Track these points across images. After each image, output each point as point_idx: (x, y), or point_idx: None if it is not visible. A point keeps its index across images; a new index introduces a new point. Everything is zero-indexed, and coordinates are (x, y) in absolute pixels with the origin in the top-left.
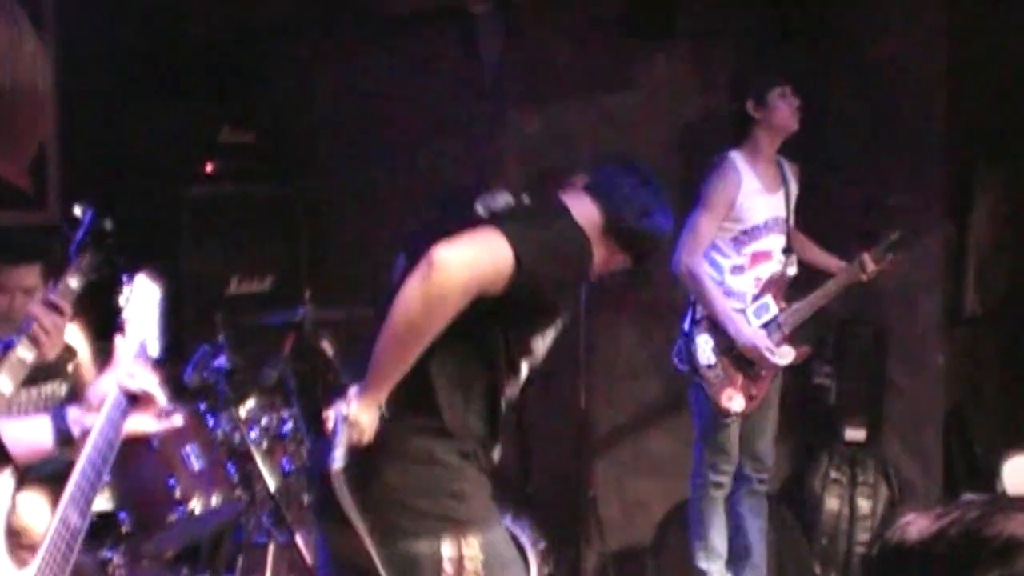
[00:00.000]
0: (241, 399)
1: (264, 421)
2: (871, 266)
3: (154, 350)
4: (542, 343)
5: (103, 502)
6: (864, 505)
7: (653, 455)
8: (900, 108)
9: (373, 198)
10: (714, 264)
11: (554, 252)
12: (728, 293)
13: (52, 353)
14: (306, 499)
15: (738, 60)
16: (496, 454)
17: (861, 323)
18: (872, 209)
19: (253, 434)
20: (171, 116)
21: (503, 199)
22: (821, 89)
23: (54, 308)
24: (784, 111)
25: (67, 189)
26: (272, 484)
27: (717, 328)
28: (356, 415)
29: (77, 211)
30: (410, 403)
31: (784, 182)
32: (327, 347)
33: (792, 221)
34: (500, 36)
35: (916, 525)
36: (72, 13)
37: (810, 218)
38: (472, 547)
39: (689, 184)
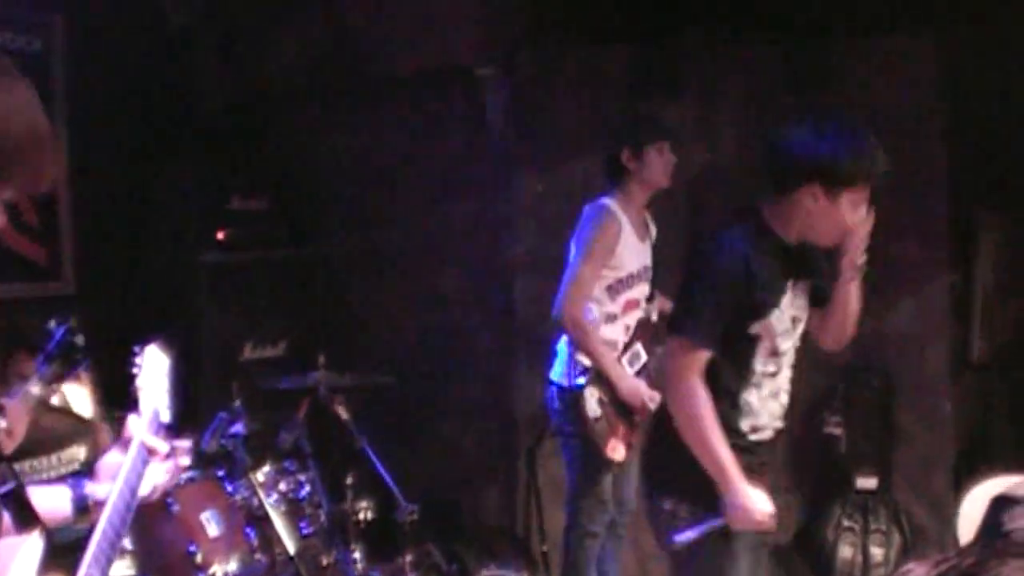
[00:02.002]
0: (258, 464)
1: (282, 485)
2: None
3: (166, 418)
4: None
5: (124, 569)
6: (877, 553)
7: None
8: (901, 157)
9: (383, 261)
10: (588, 313)
11: None
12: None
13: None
14: (324, 560)
15: (743, 116)
16: None
17: (869, 372)
18: (876, 259)
19: (271, 498)
20: (182, 184)
21: None
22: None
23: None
24: (658, 167)
25: (81, 260)
26: (291, 547)
27: (599, 379)
28: None
29: (51, 324)
30: None
31: (648, 230)
32: (342, 411)
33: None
34: (506, 97)
35: (915, 573)
36: (83, 84)
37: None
38: None
39: (696, 239)
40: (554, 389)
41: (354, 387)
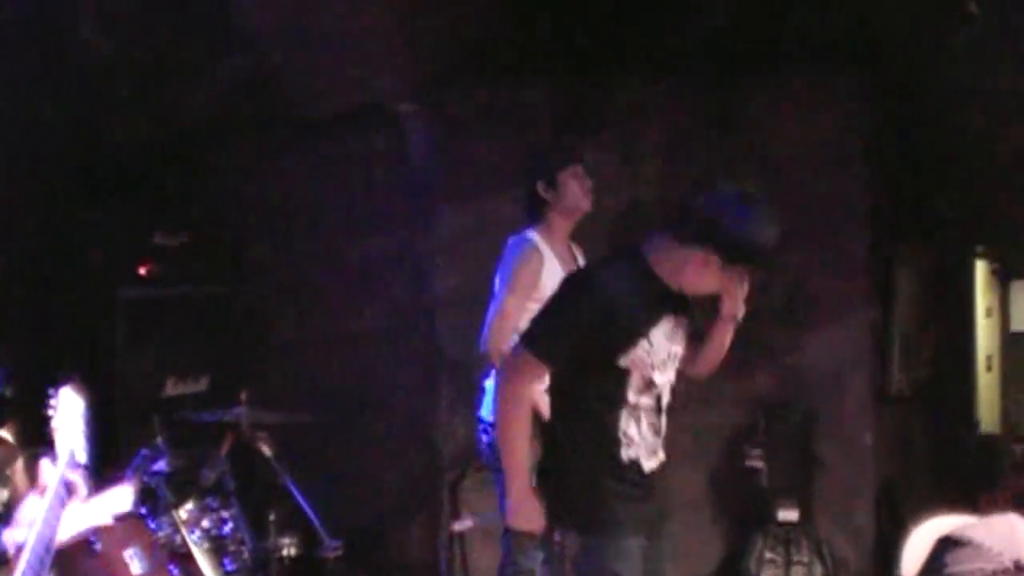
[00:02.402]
0: (181, 501)
1: (205, 522)
2: None
3: (82, 459)
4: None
5: None
6: None
7: None
8: (821, 193)
9: (306, 297)
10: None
11: None
12: None
13: None
14: None
15: (664, 151)
16: None
17: (790, 405)
18: (796, 295)
19: (195, 536)
20: (103, 220)
21: None
22: (744, 175)
23: None
24: (575, 191)
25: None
26: None
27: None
28: None
29: None
30: None
31: (576, 261)
32: (264, 448)
33: None
34: (428, 134)
35: None
36: (0, 121)
37: None
38: None
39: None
40: (483, 425)
41: (277, 423)
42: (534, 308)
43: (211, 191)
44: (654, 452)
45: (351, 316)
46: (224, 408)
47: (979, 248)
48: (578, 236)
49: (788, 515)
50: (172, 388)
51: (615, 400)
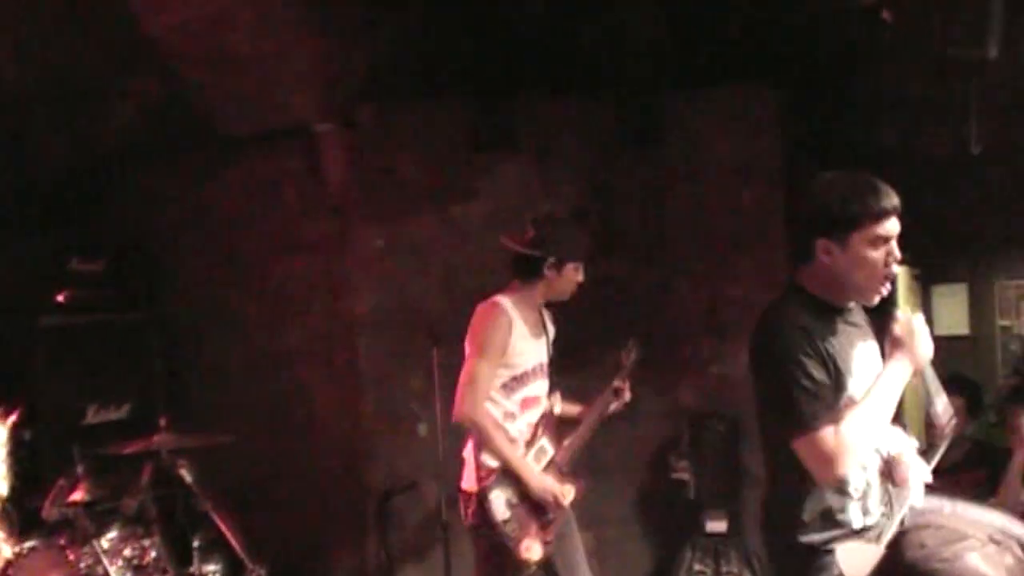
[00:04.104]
0: (102, 530)
1: (127, 551)
2: (622, 386)
3: (2, 490)
4: None
5: None
6: None
7: None
8: (740, 205)
9: (225, 320)
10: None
11: None
12: None
13: None
14: None
15: (581, 167)
16: None
17: (715, 415)
18: (718, 306)
19: (116, 565)
20: (20, 247)
21: None
22: (663, 189)
23: None
24: (571, 284)
25: None
26: None
27: (507, 479)
28: None
29: None
30: None
31: (544, 328)
32: (185, 474)
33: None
34: (344, 153)
35: None
36: None
37: (655, 313)
38: None
39: None
40: (463, 496)
41: (198, 449)
42: (503, 373)
43: (128, 216)
44: None
45: (272, 338)
46: (146, 435)
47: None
48: (494, 251)
49: (717, 526)
50: (93, 416)
51: None
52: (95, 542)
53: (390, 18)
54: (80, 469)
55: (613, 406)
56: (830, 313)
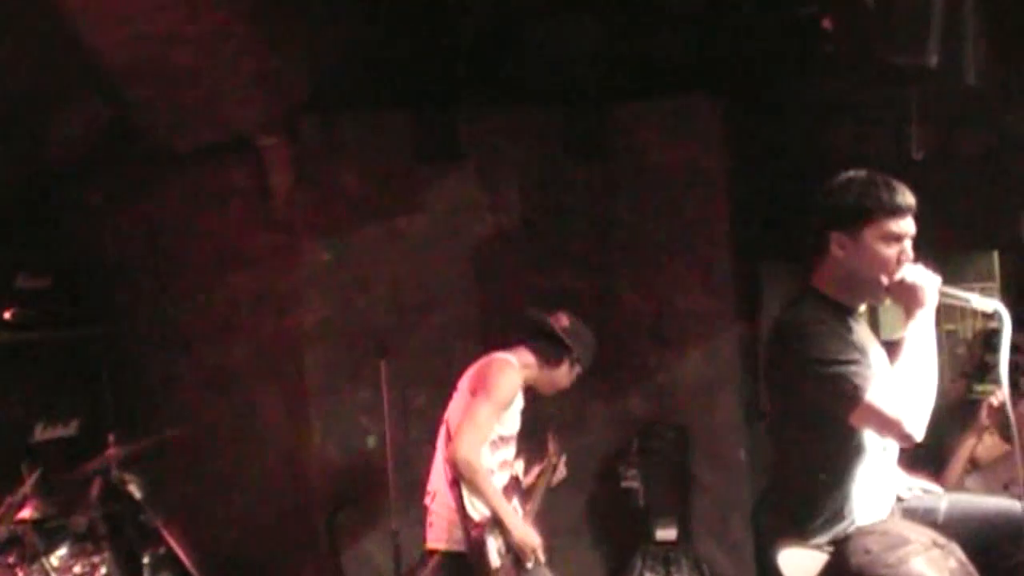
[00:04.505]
0: (52, 548)
1: (77, 568)
2: (557, 462)
3: None
4: None
5: None
6: None
7: None
8: (686, 214)
9: (172, 336)
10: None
11: None
12: None
13: None
14: None
15: (526, 177)
16: None
17: (663, 424)
18: (665, 315)
19: None
20: None
21: None
22: (610, 196)
23: None
24: (562, 384)
25: None
26: None
27: (497, 528)
28: None
29: None
30: None
31: (524, 403)
32: (134, 489)
33: None
34: (289, 167)
35: None
36: None
37: (602, 323)
38: None
39: (485, 303)
40: (438, 558)
41: (147, 465)
42: (497, 429)
43: (74, 232)
44: None
45: (219, 353)
46: (95, 451)
47: None
48: (464, 265)
49: (666, 534)
50: (41, 433)
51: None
52: (44, 560)
53: (333, 30)
54: (29, 486)
55: (555, 480)
56: (843, 314)
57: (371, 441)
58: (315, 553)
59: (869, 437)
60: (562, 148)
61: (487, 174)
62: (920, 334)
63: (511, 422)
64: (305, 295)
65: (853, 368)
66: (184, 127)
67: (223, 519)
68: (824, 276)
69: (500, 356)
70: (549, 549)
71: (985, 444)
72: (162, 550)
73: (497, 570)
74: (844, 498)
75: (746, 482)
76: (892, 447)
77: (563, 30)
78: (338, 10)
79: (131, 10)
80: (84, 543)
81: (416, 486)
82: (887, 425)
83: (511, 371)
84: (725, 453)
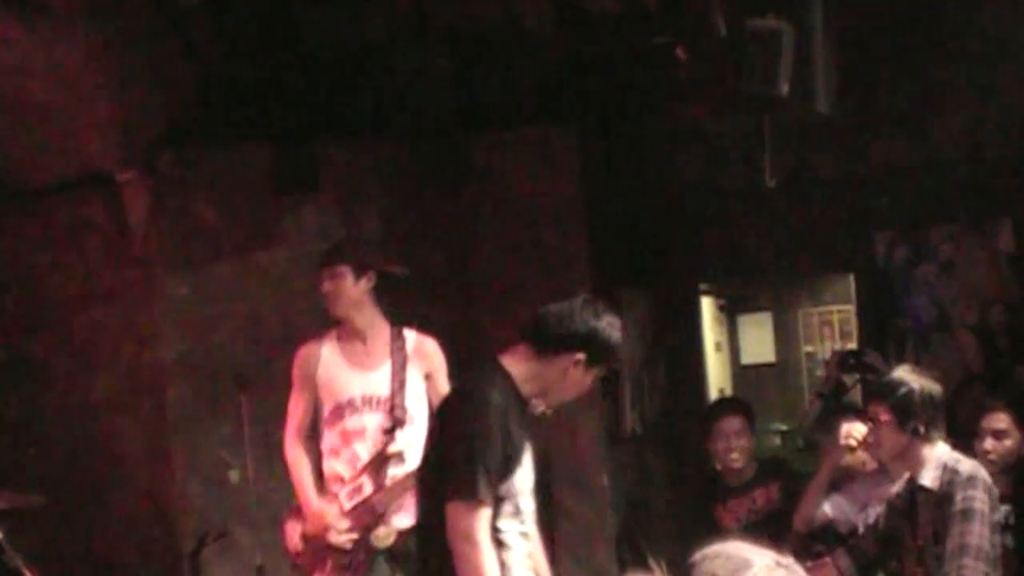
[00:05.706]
0: None
1: None
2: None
3: None
4: None
5: None
6: None
7: None
8: (544, 243)
9: (30, 372)
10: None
11: None
12: None
13: None
14: None
15: (385, 209)
16: None
17: None
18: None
19: None
20: None
21: None
22: (469, 226)
23: None
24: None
25: None
26: None
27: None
28: None
29: None
30: None
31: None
32: None
33: None
34: (146, 201)
35: None
36: None
37: (463, 354)
38: None
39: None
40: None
41: (6, 507)
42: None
43: None
44: None
45: (78, 389)
46: None
47: (703, 286)
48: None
49: None
50: None
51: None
52: None
53: (189, 64)
54: None
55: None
56: (520, 403)
57: (234, 476)
58: None
59: None
60: (420, 179)
61: (345, 206)
62: None
63: None
64: (164, 330)
65: (485, 470)
66: (39, 162)
67: (87, 559)
68: (523, 372)
69: None
70: None
71: (857, 457)
72: None
73: (298, 554)
74: None
75: (610, 507)
76: None
77: (419, 61)
78: (194, 44)
79: None
80: None
81: (280, 520)
82: (462, 536)
83: None
84: (588, 478)
